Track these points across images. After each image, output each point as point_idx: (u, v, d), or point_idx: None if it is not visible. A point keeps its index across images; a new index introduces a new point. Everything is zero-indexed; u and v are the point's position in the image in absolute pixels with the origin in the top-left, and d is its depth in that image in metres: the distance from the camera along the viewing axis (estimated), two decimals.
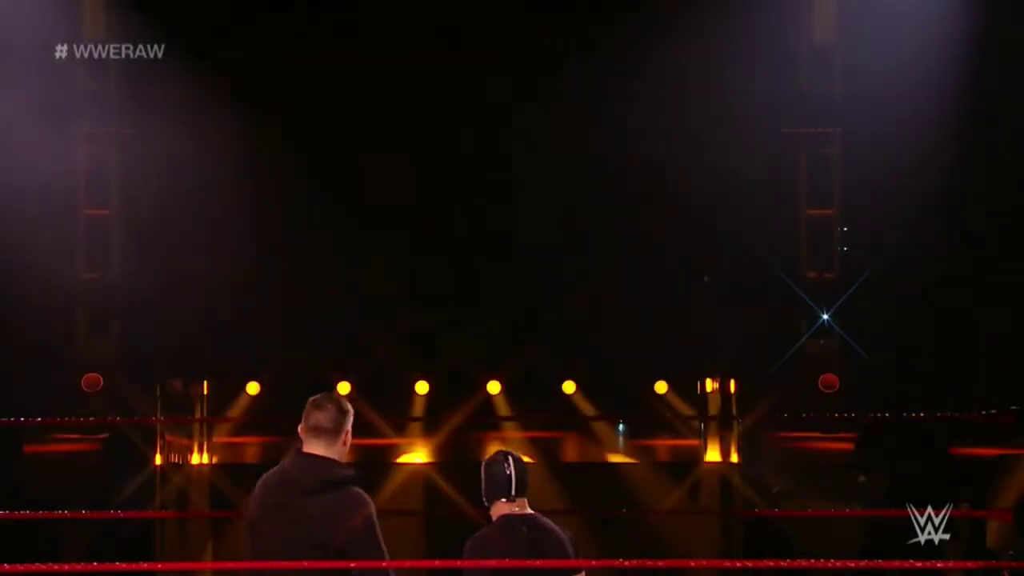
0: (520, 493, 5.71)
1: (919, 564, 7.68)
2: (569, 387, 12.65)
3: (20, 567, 5.42)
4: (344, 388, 11.77)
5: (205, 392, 12.08)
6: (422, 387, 12.17)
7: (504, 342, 11.93)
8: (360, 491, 5.31)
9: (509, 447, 6.08)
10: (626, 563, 6.12)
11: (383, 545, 5.25)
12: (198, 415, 11.96)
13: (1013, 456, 9.62)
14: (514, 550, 5.55)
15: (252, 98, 11.04)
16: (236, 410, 12.07)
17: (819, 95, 11.45)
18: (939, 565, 7.82)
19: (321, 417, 5.37)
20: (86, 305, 11.48)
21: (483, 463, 5.80)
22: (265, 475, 5.45)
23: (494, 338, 11.88)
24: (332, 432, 5.38)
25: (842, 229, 11.67)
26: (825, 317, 11.47)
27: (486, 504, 5.78)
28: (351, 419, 5.47)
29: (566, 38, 11.18)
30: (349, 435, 5.43)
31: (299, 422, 5.45)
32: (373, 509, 5.28)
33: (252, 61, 11.23)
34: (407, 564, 5.42)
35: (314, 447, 5.38)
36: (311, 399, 5.48)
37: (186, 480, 11.64)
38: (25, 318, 10.81)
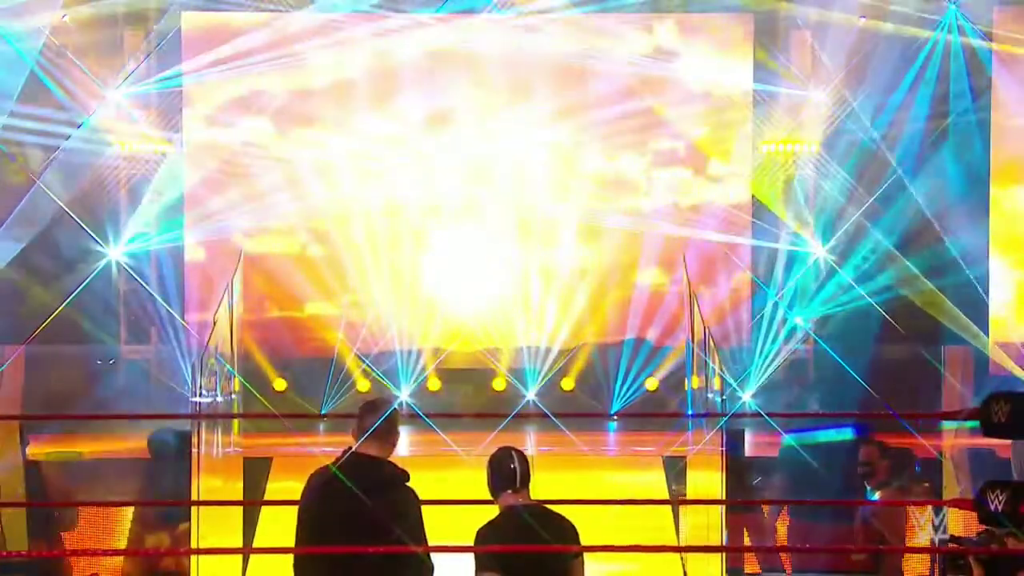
0: (524, 485, 6.17)
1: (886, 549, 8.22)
2: (568, 383, 13.09)
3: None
4: None
5: None
6: None
7: None
8: (412, 488, 5.93)
9: None
10: (621, 549, 6.69)
11: (425, 533, 5.87)
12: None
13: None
14: (522, 537, 5.99)
15: None
16: None
17: None
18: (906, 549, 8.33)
19: (375, 420, 5.92)
20: None
21: (489, 458, 6.24)
22: (317, 474, 5.98)
23: None
24: (385, 434, 5.96)
25: None
26: (800, 322, 11.90)
27: (493, 495, 6.22)
28: (399, 421, 6.03)
29: None
30: (398, 436, 6.03)
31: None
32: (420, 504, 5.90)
33: None
34: (428, 549, 5.90)
35: (367, 448, 5.96)
36: (365, 403, 6.04)
37: None
38: None
